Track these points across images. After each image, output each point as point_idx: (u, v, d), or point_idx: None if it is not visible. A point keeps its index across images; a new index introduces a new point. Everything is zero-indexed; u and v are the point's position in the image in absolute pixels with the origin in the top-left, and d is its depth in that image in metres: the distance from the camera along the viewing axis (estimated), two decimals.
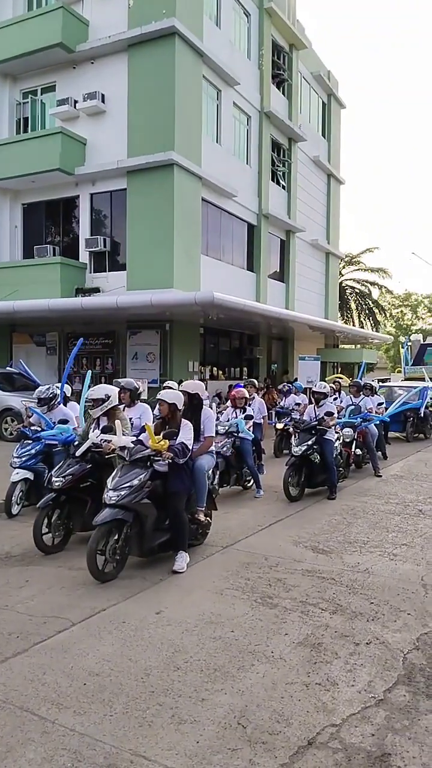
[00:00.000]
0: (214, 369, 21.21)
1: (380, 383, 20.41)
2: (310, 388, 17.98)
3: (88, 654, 3.92)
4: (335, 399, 13.30)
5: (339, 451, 9.49)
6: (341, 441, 10.21)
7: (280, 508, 8.18)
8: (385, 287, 43.48)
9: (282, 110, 24.12)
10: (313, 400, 9.37)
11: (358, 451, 10.92)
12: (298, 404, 13.42)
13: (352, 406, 11.23)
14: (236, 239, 21.90)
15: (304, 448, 8.54)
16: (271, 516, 7.71)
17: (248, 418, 9.00)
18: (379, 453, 12.89)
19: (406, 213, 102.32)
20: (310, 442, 8.60)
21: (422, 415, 16.39)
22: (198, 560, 5.85)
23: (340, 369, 29.34)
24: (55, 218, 20.41)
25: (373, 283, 42.28)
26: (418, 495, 9.14)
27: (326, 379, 19.44)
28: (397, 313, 58.47)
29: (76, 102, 18.82)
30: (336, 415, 9.91)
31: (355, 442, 10.66)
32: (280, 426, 13.13)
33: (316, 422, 8.79)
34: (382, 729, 3.10)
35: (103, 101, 18.50)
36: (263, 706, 3.30)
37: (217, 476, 7.94)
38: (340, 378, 15.92)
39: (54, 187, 19.59)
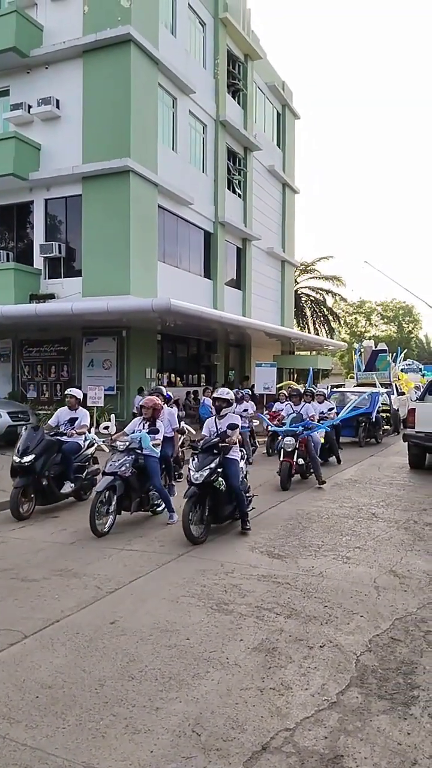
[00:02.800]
0: (172, 376, 21.18)
1: (333, 389, 20.74)
2: (264, 394, 18.16)
3: (40, 666, 3.86)
4: (245, 410, 13.53)
5: (245, 473, 7.91)
6: (282, 450, 10.13)
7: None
8: (339, 295, 44.20)
9: (237, 119, 24.35)
10: (213, 410, 7.78)
11: (301, 461, 10.47)
12: (245, 410, 13.23)
13: (294, 414, 10.84)
14: (193, 246, 21.96)
15: (206, 474, 6.79)
16: (227, 522, 7.72)
17: (153, 432, 7.71)
18: (334, 458, 13.10)
19: (359, 222, 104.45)
20: (212, 465, 6.87)
21: (373, 419, 16.46)
22: (153, 568, 5.83)
23: (296, 375, 29.65)
24: (9, 223, 20.09)
25: (327, 291, 42.96)
26: (371, 498, 9.30)
27: (277, 386, 19.63)
28: (351, 320, 59.53)
29: (30, 107, 18.61)
30: (241, 426, 9.66)
31: (297, 451, 10.26)
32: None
33: (217, 438, 7.15)
34: (335, 731, 3.14)
35: (57, 107, 18.34)
36: (218, 712, 3.31)
37: (114, 502, 7.23)
38: (292, 385, 16.04)
39: (7, 192, 19.29)
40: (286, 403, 13.11)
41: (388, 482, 10.82)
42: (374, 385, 20.07)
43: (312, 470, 10.66)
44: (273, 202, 29.57)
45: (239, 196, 25.50)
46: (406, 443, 12.09)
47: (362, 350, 23.73)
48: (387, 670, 3.81)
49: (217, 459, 6.99)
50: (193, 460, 7.05)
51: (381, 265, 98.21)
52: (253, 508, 7.75)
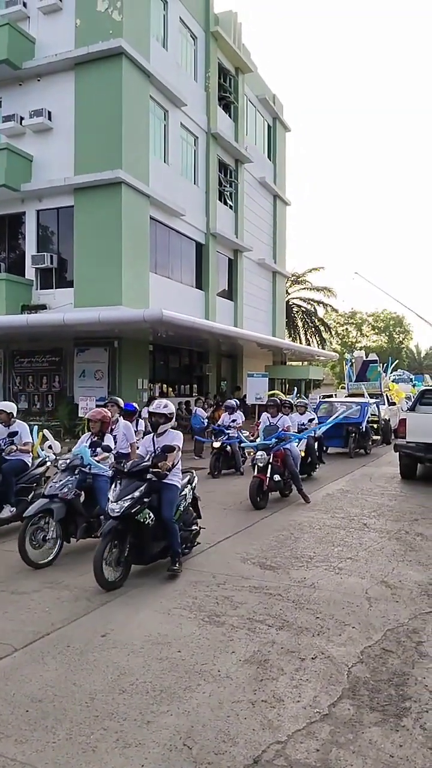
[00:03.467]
0: (164, 386, 21.18)
1: (323, 399, 20.75)
2: (256, 405, 18.07)
3: (31, 680, 3.83)
4: (234, 421, 13.32)
5: (189, 501, 6.70)
6: (255, 465, 9.52)
7: (229, 525, 8.19)
8: (330, 306, 44.46)
9: (228, 132, 24.53)
10: (149, 426, 6.64)
11: (277, 477, 9.66)
12: (234, 421, 13.10)
13: (269, 426, 10.17)
14: (185, 257, 22.04)
15: (126, 505, 5.55)
16: (220, 533, 7.70)
17: (106, 450, 6.84)
18: (320, 469, 12.97)
19: (349, 234, 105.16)
20: (136, 494, 5.65)
21: (363, 430, 16.25)
22: (145, 580, 5.80)
23: (287, 386, 29.72)
24: (1, 235, 20.11)
25: (318, 302, 43.19)
26: (363, 509, 9.30)
27: (267, 393, 19.62)
28: (343, 330, 59.81)
29: (22, 119, 18.69)
30: (228, 437, 9.87)
31: (271, 466, 9.55)
32: (217, 444, 12.84)
33: (148, 462, 5.94)
34: (327, 744, 3.13)
35: (49, 118, 18.42)
36: (209, 726, 3.29)
37: (52, 528, 6.37)
38: (279, 394, 15.96)
39: None
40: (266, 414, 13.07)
41: (379, 492, 10.83)
42: (363, 396, 20.11)
43: (293, 486, 10.05)
44: (264, 213, 29.75)
45: (230, 207, 25.65)
46: (398, 453, 12.10)
47: (353, 360, 23.76)
48: (379, 682, 3.80)
49: (143, 486, 5.73)
50: (114, 486, 5.80)
51: (372, 276, 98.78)
52: (198, 543, 6.82)
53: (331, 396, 23.95)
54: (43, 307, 18.54)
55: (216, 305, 23.58)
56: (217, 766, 2.95)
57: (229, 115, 25.42)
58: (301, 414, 12.82)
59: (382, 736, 3.20)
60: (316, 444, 12.57)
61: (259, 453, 9.52)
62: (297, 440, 10.88)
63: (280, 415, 10.44)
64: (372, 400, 17.97)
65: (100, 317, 15.40)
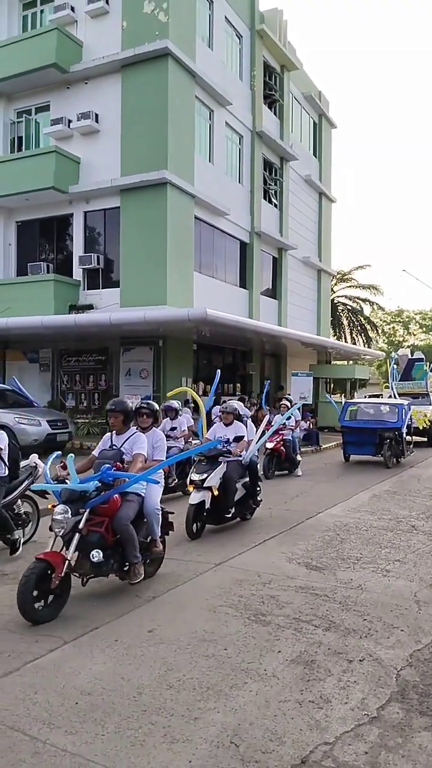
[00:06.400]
0: (207, 386, 21.22)
1: (347, 401, 19.25)
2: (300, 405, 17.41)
3: (80, 673, 3.90)
4: (288, 419, 12.63)
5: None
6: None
7: (273, 525, 8.17)
8: (376, 304, 43.71)
9: (274, 130, 24.41)
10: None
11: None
12: (174, 429, 10.63)
13: (105, 450, 7.66)
14: (229, 257, 22.04)
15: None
16: (264, 532, 7.70)
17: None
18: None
19: (396, 231, 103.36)
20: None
21: (400, 436, 14.54)
22: (190, 577, 5.83)
23: (332, 385, 29.41)
24: (49, 236, 20.50)
25: (364, 300, 42.54)
26: (411, 510, 9.15)
27: (169, 394, 16.80)
28: (389, 329, 58.80)
29: (70, 121, 19.00)
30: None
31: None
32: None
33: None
34: (376, 747, 3.09)
35: (96, 121, 18.68)
36: (256, 724, 3.29)
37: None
38: (189, 391, 13.45)
39: (48, 205, 19.70)
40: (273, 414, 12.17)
41: (428, 494, 10.63)
42: (413, 395, 19.64)
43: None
44: (309, 211, 29.49)
45: (275, 206, 25.52)
46: None
47: (398, 359, 23.23)
48: (429, 686, 3.74)
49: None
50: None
51: (420, 274, 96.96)
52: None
53: (380, 396, 23.38)
54: (90, 307, 18.83)
55: (260, 304, 23.51)
56: (264, 765, 2.94)
57: (275, 113, 25.29)
58: (281, 414, 12.27)
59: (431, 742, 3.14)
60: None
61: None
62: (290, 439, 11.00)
63: (234, 422, 8.50)
64: (406, 402, 16.08)
65: (146, 317, 15.54)
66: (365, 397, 24.91)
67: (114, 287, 18.61)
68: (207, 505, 7.45)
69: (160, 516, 5.76)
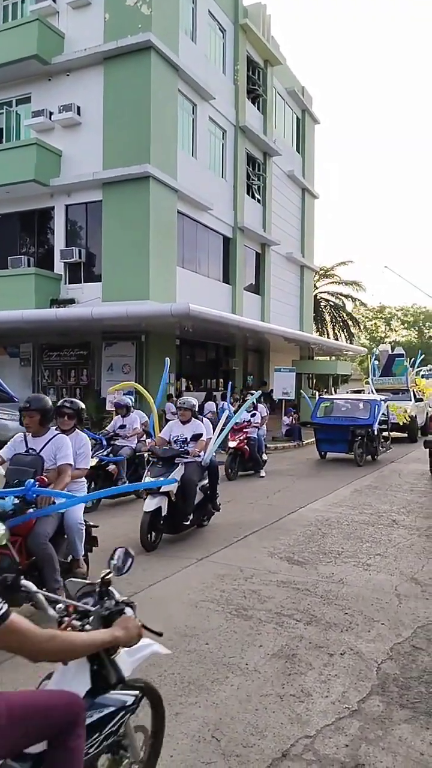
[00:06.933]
0: (190, 382, 21.19)
1: (319, 397, 19.13)
2: (283, 400, 16.96)
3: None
4: (253, 415, 12.45)
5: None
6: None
7: (255, 520, 8.18)
8: (359, 300, 43.93)
9: (257, 125, 24.37)
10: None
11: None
12: (123, 427, 9.93)
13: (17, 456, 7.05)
14: (212, 252, 22.01)
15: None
16: (246, 528, 7.71)
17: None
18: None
19: (379, 227, 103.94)
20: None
21: (373, 433, 14.16)
22: (173, 572, 5.82)
23: (314, 381, 29.53)
24: (30, 229, 20.30)
25: (347, 296, 42.74)
26: (392, 505, 9.21)
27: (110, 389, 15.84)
28: (371, 325, 59.17)
29: (51, 114, 18.81)
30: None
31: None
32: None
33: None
34: (356, 740, 3.11)
35: (78, 113, 18.51)
36: (237, 718, 3.29)
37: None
38: (252, 393, 13.38)
39: (29, 198, 19.50)
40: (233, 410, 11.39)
41: (408, 489, 10.71)
42: (392, 391, 19.70)
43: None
44: (292, 207, 29.53)
45: (258, 201, 25.51)
46: (428, 450, 11.95)
47: (378, 354, 23.26)
48: (409, 679, 3.76)
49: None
50: None
51: (401, 270, 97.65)
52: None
53: (361, 391, 23.42)
54: (72, 301, 18.69)
55: (243, 299, 23.51)
56: (246, 759, 2.94)
57: (258, 108, 25.26)
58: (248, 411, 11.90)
59: (412, 734, 3.16)
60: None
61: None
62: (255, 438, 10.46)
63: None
64: (382, 398, 15.77)
65: (128, 311, 15.46)
66: (347, 392, 24.99)
67: (96, 281, 18.49)
68: (164, 512, 6.75)
69: (83, 532, 5.01)
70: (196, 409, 7.73)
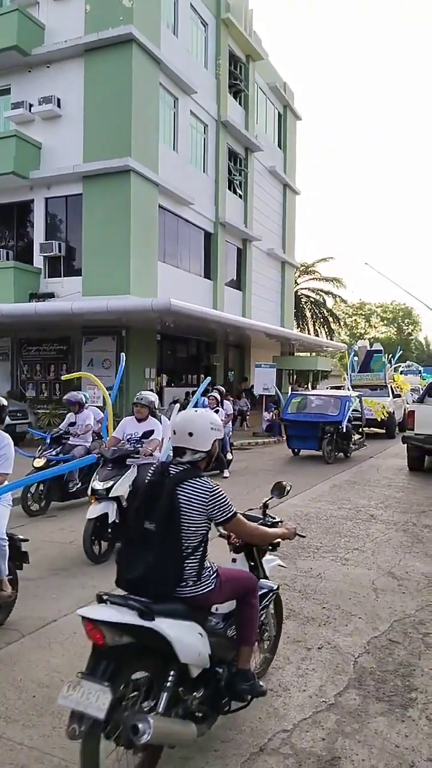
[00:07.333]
0: (165, 376, 21.14)
1: (292, 392, 18.76)
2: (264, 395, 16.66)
3: (38, 666, 3.85)
4: (216, 412, 11.24)
5: None
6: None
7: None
8: (339, 296, 44.22)
9: (239, 120, 24.34)
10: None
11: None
12: (73, 424, 9.49)
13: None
14: (193, 247, 21.96)
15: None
16: None
17: None
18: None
19: (359, 224, 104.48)
20: None
21: (343, 430, 13.82)
22: None
23: (295, 376, 29.66)
24: (9, 222, 20.08)
25: (327, 293, 42.98)
26: (370, 500, 9.29)
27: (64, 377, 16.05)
28: (351, 321, 59.58)
29: (31, 106, 18.59)
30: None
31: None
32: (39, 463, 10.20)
33: None
34: (333, 733, 3.13)
35: (59, 105, 18.33)
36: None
37: None
38: (218, 387, 12.94)
39: (7, 190, 19.26)
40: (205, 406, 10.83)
41: (386, 484, 10.81)
42: (371, 387, 19.78)
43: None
44: (274, 203, 29.57)
45: (240, 196, 25.50)
46: (406, 445, 12.07)
47: (356, 350, 23.32)
48: (385, 672, 3.81)
49: None
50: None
51: (381, 267, 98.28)
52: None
53: (341, 387, 23.50)
54: (51, 295, 18.53)
55: (224, 295, 23.51)
56: (223, 754, 2.96)
57: (240, 103, 25.22)
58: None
59: (387, 727, 3.20)
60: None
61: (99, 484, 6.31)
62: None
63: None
64: (354, 394, 15.58)
65: (108, 306, 15.37)
66: (327, 388, 25.11)
67: (76, 275, 18.35)
68: (112, 519, 6.13)
69: (7, 549, 4.40)
70: (156, 406, 7.03)
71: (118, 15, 17.11)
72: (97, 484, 6.23)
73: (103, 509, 6.11)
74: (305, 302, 41.84)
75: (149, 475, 2.98)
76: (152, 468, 3.02)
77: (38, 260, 19.05)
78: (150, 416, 6.91)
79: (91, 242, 17.85)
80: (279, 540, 3.40)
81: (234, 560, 3.41)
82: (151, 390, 17.08)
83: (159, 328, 19.44)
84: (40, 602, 4.92)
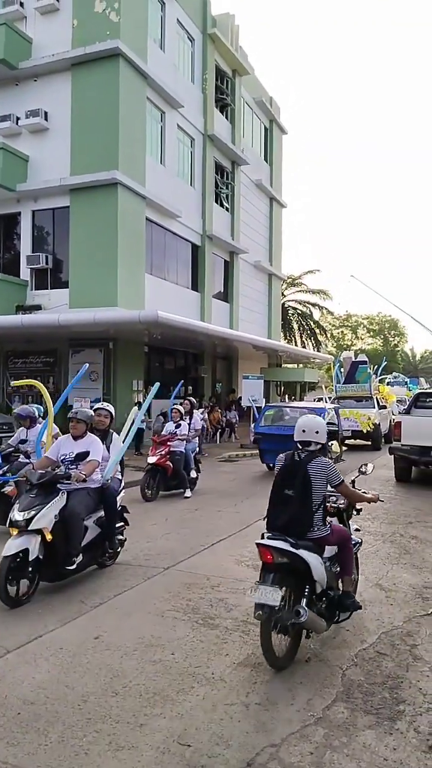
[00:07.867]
0: (149, 388, 21.09)
1: (266, 404, 18.25)
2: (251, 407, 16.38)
3: (23, 682, 3.80)
4: (178, 426, 10.72)
5: None
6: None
7: (223, 528, 8.17)
8: (326, 308, 44.46)
9: (225, 134, 24.55)
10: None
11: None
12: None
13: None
14: (180, 259, 22.03)
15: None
16: (214, 535, 7.69)
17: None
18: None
19: (346, 237, 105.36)
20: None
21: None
22: (139, 582, 5.77)
23: (283, 388, 29.73)
24: None
25: (314, 305, 43.22)
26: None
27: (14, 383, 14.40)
28: (338, 333, 59.93)
29: (18, 119, 18.65)
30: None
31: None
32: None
33: None
34: (321, 747, 3.11)
35: (46, 119, 18.39)
36: (202, 728, 3.27)
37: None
38: (189, 398, 12.63)
39: None
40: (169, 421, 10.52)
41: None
42: (357, 399, 19.78)
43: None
44: (260, 215, 29.78)
45: (227, 209, 25.66)
46: (392, 456, 12.08)
47: (342, 361, 23.33)
48: (373, 685, 3.79)
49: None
50: None
51: (367, 279, 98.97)
52: None
53: (320, 399, 23.45)
54: (38, 307, 18.49)
55: (211, 307, 23.58)
56: None
57: (226, 117, 25.45)
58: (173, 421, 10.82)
59: (376, 740, 3.19)
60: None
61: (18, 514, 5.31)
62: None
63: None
64: (330, 406, 14.91)
65: (95, 318, 15.35)
66: (314, 400, 25.12)
67: (63, 288, 18.34)
68: (33, 556, 5.15)
69: None
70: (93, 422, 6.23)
71: (105, 30, 17.24)
72: (16, 515, 5.23)
73: (21, 545, 5.11)
74: (292, 314, 42.04)
75: (283, 460, 4.48)
76: (284, 455, 4.49)
77: (25, 272, 19.03)
78: (88, 433, 6.03)
79: (78, 254, 17.85)
80: (361, 507, 4.98)
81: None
82: (139, 402, 17.02)
83: (146, 340, 19.43)
84: (26, 618, 4.86)
